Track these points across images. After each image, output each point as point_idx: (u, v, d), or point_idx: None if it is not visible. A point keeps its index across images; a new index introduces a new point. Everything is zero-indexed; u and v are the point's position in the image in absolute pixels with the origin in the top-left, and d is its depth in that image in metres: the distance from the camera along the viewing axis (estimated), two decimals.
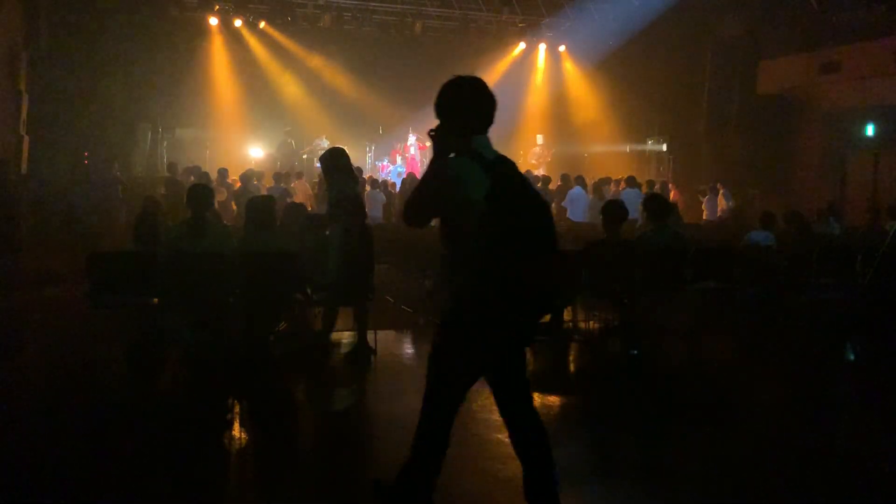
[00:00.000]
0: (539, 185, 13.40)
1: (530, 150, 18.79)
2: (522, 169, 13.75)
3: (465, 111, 2.97)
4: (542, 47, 19.71)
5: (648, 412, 5.04)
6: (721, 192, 14.08)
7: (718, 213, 13.89)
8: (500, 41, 18.93)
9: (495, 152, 2.98)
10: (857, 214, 12.99)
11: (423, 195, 3.03)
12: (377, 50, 18.02)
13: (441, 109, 3.02)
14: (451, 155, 2.98)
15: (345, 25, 17.39)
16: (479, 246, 2.84)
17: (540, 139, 18.72)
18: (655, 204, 7.14)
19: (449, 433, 3.13)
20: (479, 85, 3.01)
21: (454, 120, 2.98)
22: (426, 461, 3.12)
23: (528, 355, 6.44)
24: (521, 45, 19.42)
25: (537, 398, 5.27)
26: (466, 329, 2.95)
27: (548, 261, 2.93)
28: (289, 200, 10.56)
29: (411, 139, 17.98)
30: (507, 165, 2.97)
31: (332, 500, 3.62)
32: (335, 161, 6.00)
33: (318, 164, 16.94)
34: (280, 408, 5.08)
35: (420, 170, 16.99)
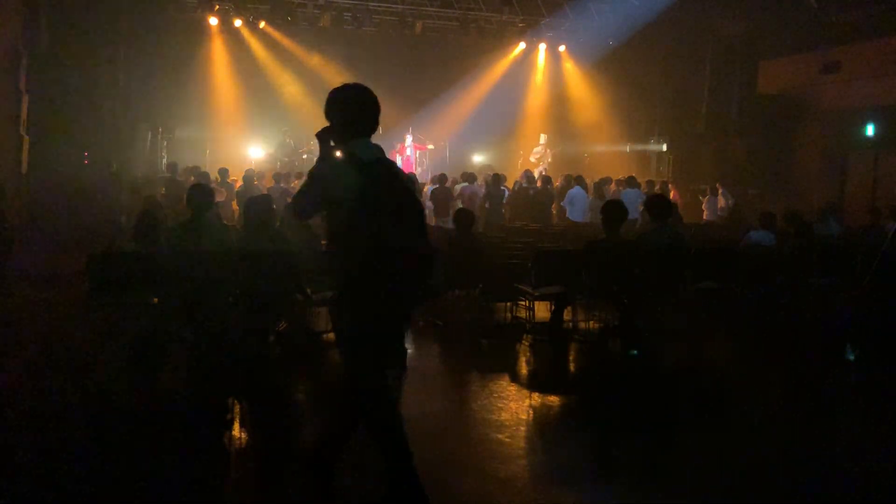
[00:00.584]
0: (539, 184, 13.40)
1: (531, 149, 18.79)
2: (522, 168, 13.74)
3: (348, 116, 3.22)
4: (542, 47, 19.72)
5: (648, 412, 5.04)
6: (721, 191, 14.08)
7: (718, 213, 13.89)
8: (500, 41, 18.94)
9: (375, 155, 3.22)
10: (857, 214, 12.98)
11: (302, 192, 3.31)
12: (377, 50, 18.02)
13: (327, 114, 3.26)
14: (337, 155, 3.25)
15: (345, 25, 17.39)
16: (349, 241, 3.14)
17: (543, 138, 18.70)
18: (658, 204, 7.15)
19: (396, 421, 3.28)
20: (362, 93, 3.27)
21: (338, 124, 3.23)
22: (399, 450, 3.23)
23: (529, 355, 6.48)
24: (521, 45, 19.43)
25: (537, 398, 5.30)
26: (351, 316, 3.21)
27: (411, 258, 3.16)
28: (289, 200, 10.54)
29: (408, 140, 17.99)
30: (383, 167, 3.20)
31: (331, 499, 3.62)
32: None
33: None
34: (279, 408, 5.08)
35: (415, 170, 16.99)
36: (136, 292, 5.73)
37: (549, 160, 18.34)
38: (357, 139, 3.22)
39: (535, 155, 18.48)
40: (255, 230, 6.10)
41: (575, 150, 20.06)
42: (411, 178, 3.18)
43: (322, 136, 3.22)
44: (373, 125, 3.26)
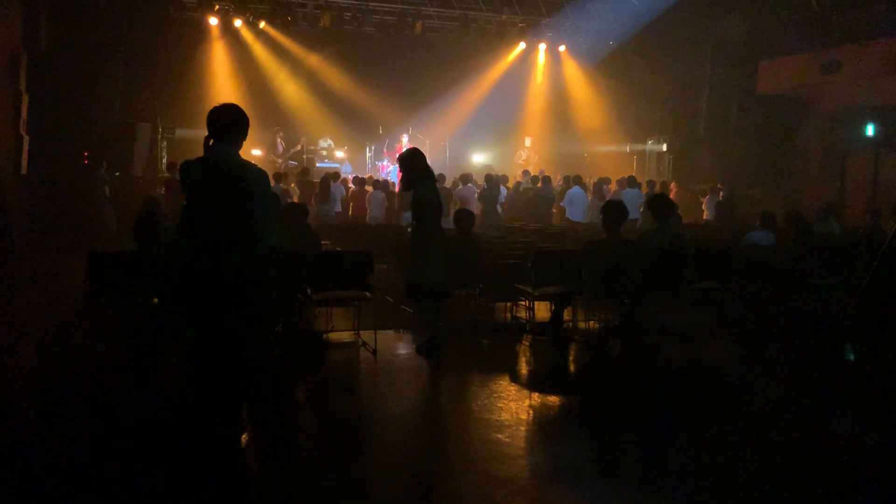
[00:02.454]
0: (539, 184, 13.42)
1: (517, 152, 19.17)
2: (517, 170, 13.79)
3: (213, 127, 4.04)
4: (542, 47, 19.73)
5: (648, 412, 5.05)
6: (721, 191, 14.06)
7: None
8: (500, 41, 18.94)
9: (225, 157, 3.97)
10: (857, 214, 12.97)
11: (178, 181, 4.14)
12: (377, 50, 18.03)
13: (206, 125, 4.07)
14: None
15: (345, 25, 17.39)
16: (189, 223, 3.90)
17: (528, 142, 19.35)
18: (660, 203, 7.16)
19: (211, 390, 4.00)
20: (225, 109, 4.14)
21: (210, 133, 4.04)
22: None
23: (529, 355, 6.48)
24: (521, 45, 19.44)
25: (537, 398, 5.30)
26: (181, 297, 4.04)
27: (232, 257, 3.82)
28: (288, 200, 10.57)
29: (404, 140, 18.06)
30: (226, 167, 3.93)
31: (330, 499, 3.62)
32: (417, 162, 6.11)
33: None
34: (279, 408, 5.08)
35: None
36: (136, 292, 5.74)
37: (536, 161, 18.55)
38: (220, 145, 3.99)
39: (521, 158, 18.75)
40: None
41: (575, 150, 20.08)
42: (257, 180, 3.89)
43: (204, 141, 4.00)
44: (232, 135, 4.06)
